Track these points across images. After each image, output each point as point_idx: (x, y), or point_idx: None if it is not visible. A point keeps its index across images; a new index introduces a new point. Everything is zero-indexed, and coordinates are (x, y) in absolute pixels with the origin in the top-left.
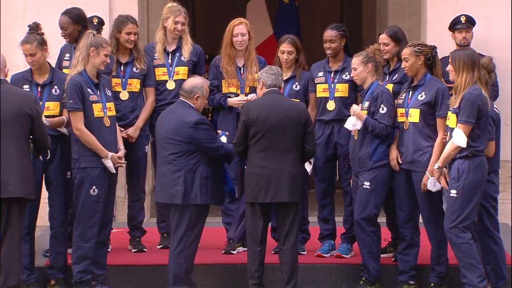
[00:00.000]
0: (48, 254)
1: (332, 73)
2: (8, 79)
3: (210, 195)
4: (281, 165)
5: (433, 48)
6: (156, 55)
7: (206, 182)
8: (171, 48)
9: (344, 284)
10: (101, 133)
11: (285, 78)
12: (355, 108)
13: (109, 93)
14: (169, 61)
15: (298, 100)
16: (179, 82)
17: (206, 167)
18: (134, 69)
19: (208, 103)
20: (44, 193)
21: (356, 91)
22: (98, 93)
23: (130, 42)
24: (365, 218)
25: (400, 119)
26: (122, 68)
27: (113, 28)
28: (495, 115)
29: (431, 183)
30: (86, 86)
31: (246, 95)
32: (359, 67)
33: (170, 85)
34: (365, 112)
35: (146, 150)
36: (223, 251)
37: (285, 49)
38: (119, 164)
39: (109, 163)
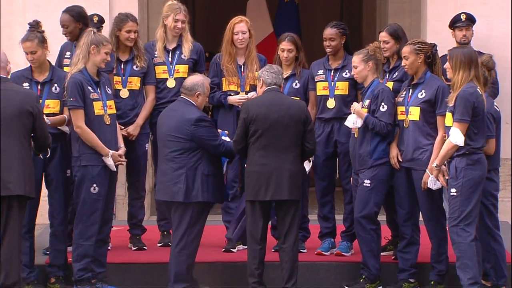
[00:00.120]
0: (48, 252)
1: (332, 71)
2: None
3: (211, 192)
4: (281, 163)
5: (433, 46)
6: (156, 53)
7: (207, 179)
8: (171, 46)
9: (344, 282)
10: (101, 131)
11: (285, 76)
12: (355, 106)
13: (109, 91)
14: (169, 59)
15: (298, 98)
16: (179, 80)
17: (207, 165)
18: (134, 67)
19: (208, 101)
20: (44, 191)
21: (356, 89)
22: (99, 91)
23: (130, 40)
24: (365, 216)
25: (400, 117)
26: (122, 66)
27: (113, 26)
28: (495, 113)
29: (432, 181)
30: (87, 84)
31: (247, 93)
32: (359, 65)
33: (170, 83)
34: (366, 110)
35: (146, 148)
36: (223, 249)
37: (285, 47)
38: (120, 162)
39: (109, 161)
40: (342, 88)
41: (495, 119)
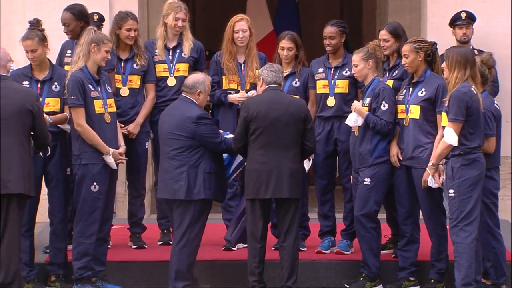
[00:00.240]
0: (48, 251)
1: (332, 69)
2: (12, 68)
3: (213, 190)
4: (281, 161)
5: (433, 44)
6: (156, 51)
7: (209, 177)
8: (171, 45)
9: (344, 280)
10: (101, 130)
11: (284, 74)
12: (356, 104)
13: (109, 90)
14: (170, 57)
15: (298, 97)
16: (180, 79)
17: (209, 162)
18: (135, 65)
19: (209, 99)
20: (44, 190)
21: (356, 87)
22: (99, 90)
23: (130, 38)
24: (365, 214)
25: (400, 115)
26: (122, 65)
27: (113, 25)
28: (496, 112)
29: (432, 180)
30: (87, 82)
31: (247, 91)
32: (360, 64)
33: (171, 82)
34: (366, 108)
35: (146, 147)
36: (223, 248)
37: (285, 45)
38: (120, 161)
39: (110, 159)
40: (342, 86)
41: (495, 117)
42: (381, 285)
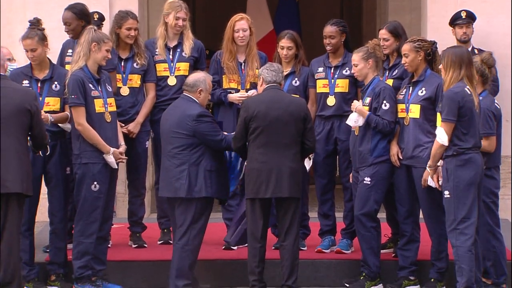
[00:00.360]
0: (48, 250)
1: (332, 69)
2: (13, 66)
3: (214, 188)
4: (281, 160)
5: (433, 43)
6: (157, 50)
7: (210, 175)
8: (172, 44)
9: (344, 279)
10: (102, 129)
11: (284, 73)
12: (356, 104)
13: (109, 89)
14: (170, 57)
15: (298, 96)
16: (180, 78)
17: (210, 160)
18: (135, 64)
19: (209, 98)
20: (44, 189)
21: (356, 87)
22: (99, 89)
23: (131, 37)
24: (365, 213)
25: (400, 114)
26: (122, 64)
27: (113, 24)
28: (496, 111)
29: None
30: (88, 81)
31: (247, 91)
32: (360, 63)
33: (171, 81)
34: (367, 108)
35: (146, 146)
36: (224, 247)
37: (285, 44)
38: (120, 160)
39: (110, 159)
40: (342, 85)
41: (495, 116)
42: (381, 284)
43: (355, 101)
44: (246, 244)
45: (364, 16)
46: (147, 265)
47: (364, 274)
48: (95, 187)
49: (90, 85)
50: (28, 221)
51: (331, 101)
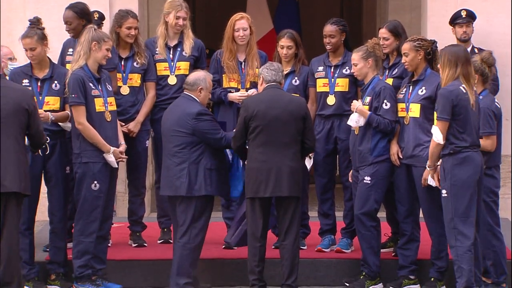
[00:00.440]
0: (48, 249)
1: (332, 68)
2: (15, 66)
3: (215, 186)
4: (280, 159)
5: (433, 42)
6: (157, 50)
7: (210, 173)
8: (172, 43)
9: (344, 279)
10: (102, 128)
11: (284, 73)
12: (357, 104)
13: (109, 88)
14: (171, 56)
15: (298, 95)
16: (181, 77)
17: (210, 159)
18: (135, 63)
19: (209, 97)
20: (44, 188)
21: (356, 86)
22: (100, 88)
23: (131, 36)
24: (365, 213)
25: (400, 114)
26: (122, 63)
27: (114, 23)
28: (497, 110)
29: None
30: (88, 80)
31: (247, 90)
32: (359, 62)
33: (172, 80)
34: (367, 107)
35: (146, 145)
36: (224, 246)
37: (284, 44)
38: (120, 159)
39: (111, 158)
40: (342, 84)
41: (496, 116)
42: (381, 284)
43: (355, 101)
44: (247, 245)
45: (364, 15)
46: (147, 264)
47: (364, 273)
48: (95, 186)
49: (91, 84)
50: (28, 220)
51: (331, 100)
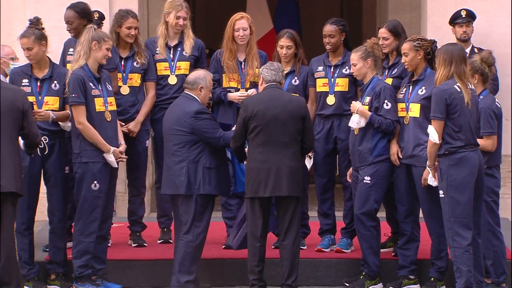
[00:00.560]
0: (47, 249)
1: (332, 68)
2: (16, 65)
3: (213, 185)
4: (280, 159)
5: (433, 42)
6: (158, 49)
7: (209, 172)
8: (173, 43)
9: (344, 278)
10: (102, 128)
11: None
12: (358, 105)
13: (110, 88)
14: (171, 55)
15: (297, 95)
16: (181, 77)
17: (209, 158)
18: (135, 63)
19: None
20: (44, 188)
21: (356, 86)
22: (100, 88)
23: (131, 36)
24: (365, 212)
25: (400, 113)
26: (122, 63)
27: (114, 23)
28: (497, 110)
29: (432, 178)
30: (88, 80)
31: (247, 90)
32: (358, 63)
33: (172, 80)
34: (367, 107)
35: (146, 145)
36: (223, 246)
37: (284, 43)
38: (120, 159)
39: (111, 158)
40: (342, 84)
41: (496, 115)
42: (381, 284)
43: (354, 103)
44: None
45: (364, 15)
46: (147, 264)
47: (364, 273)
48: (95, 186)
49: (91, 84)
50: (28, 220)
51: (331, 100)
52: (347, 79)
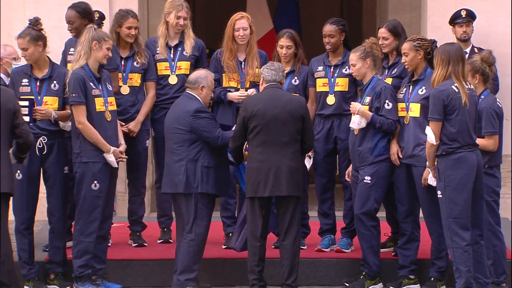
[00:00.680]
0: (47, 249)
1: (332, 67)
2: (18, 65)
3: (212, 184)
4: (280, 159)
5: (433, 42)
6: (158, 49)
7: (207, 171)
8: (173, 43)
9: (344, 278)
10: (102, 128)
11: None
12: (358, 106)
13: (110, 88)
14: (171, 55)
15: (297, 95)
16: (181, 77)
17: (208, 157)
18: (135, 63)
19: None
20: (43, 188)
21: (356, 85)
22: (100, 88)
23: (131, 36)
24: (365, 212)
25: (400, 113)
26: (122, 63)
27: (114, 23)
28: (498, 110)
29: (432, 178)
30: (89, 80)
31: (246, 89)
32: (357, 63)
33: (172, 80)
34: (367, 107)
35: (146, 145)
36: (224, 246)
37: (284, 43)
38: (121, 159)
39: (111, 158)
40: (342, 84)
41: (498, 115)
42: (381, 284)
43: (354, 104)
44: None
45: (364, 15)
46: (147, 264)
47: (364, 273)
48: (95, 186)
49: (91, 83)
50: (28, 220)
51: (331, 100)
52: (347, 79)
